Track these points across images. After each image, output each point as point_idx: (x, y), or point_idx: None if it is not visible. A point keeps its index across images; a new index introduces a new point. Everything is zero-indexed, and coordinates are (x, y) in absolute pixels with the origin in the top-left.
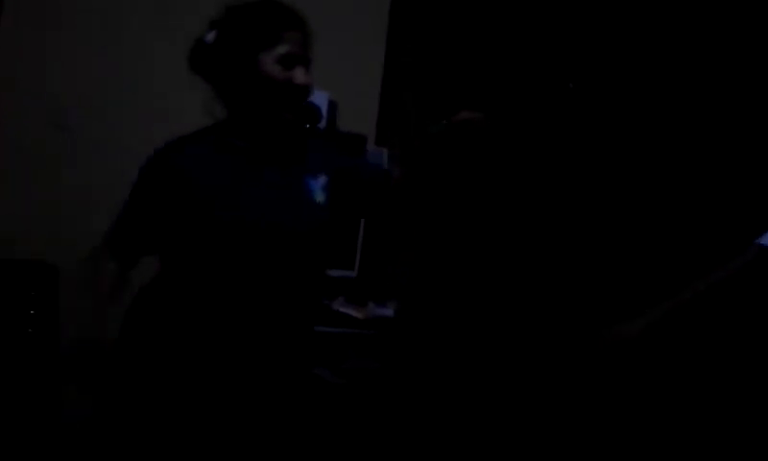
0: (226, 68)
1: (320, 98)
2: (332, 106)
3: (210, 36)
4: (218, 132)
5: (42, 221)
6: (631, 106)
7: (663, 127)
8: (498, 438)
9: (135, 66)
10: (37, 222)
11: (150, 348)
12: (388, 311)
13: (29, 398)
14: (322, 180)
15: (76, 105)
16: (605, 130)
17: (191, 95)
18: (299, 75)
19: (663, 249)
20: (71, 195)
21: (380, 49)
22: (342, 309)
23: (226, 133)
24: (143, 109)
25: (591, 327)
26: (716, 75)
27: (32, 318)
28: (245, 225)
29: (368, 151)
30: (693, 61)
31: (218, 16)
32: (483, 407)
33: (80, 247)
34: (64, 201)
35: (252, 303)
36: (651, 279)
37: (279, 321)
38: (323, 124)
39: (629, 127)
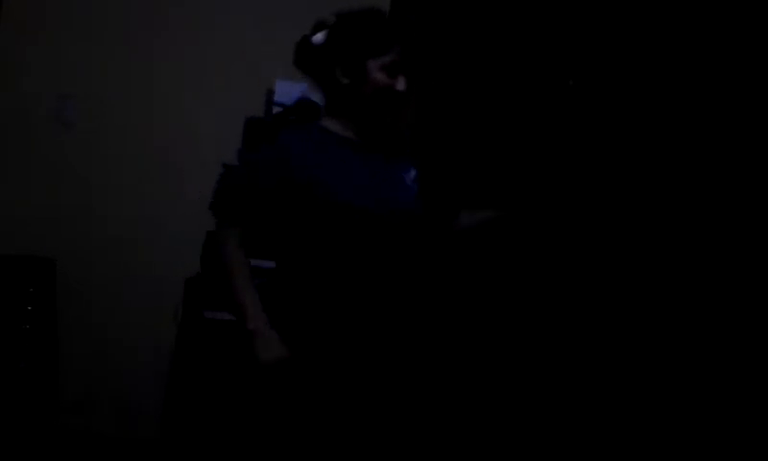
0: (333, 69)
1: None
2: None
3: (319, 38)
4: (321, 124)
5: (38, 216)
6: (630, 103)
7: (662, 124)
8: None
9: (135, 65)
10: (33, 217)
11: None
12: None
13: (27, 393)
14: (413, 172)
15: (75, 100)
16: (605, 127)
17: (190, 95)
18: (400, 83)
19: (662, 247)
20: (67, 190)
21: None
22: None
23: (329, 125)
24: (141, 107)
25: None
26: (716, 71)
27: (29, 313)
28: (355, 207)
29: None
30: (692, 59)
31: (327, 20)
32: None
33: (76, 241)
34: (60, 195)
35: (366, 284)
36: (649, 278)
37: (392, 298)
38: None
39: (628, 124)
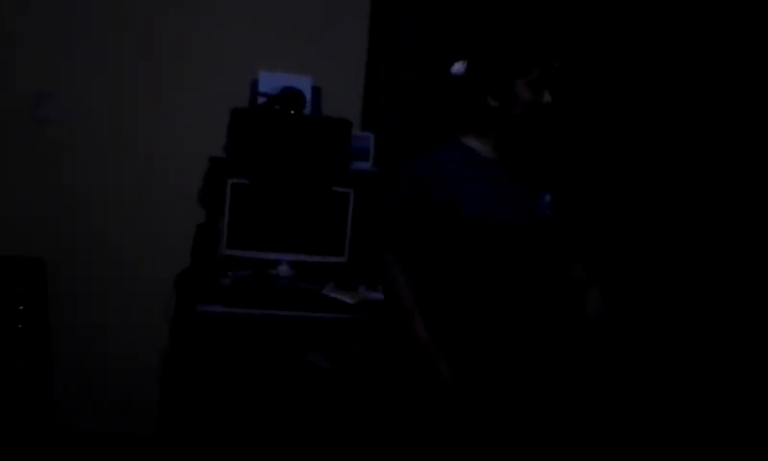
0: (481, 94)
1: (303, 83)
2: (316, 91)
3: (459, 68)
4: (464, 142)
5: (23, 216)
6: (617, 86)
7: (648, 108)
8: (490, 425)
9: (118, 60)
10: (18, 217)
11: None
12: (378, 295)
13: (21, 392)
14: (548, 197)
15: (54, 98)
16: (592, 111)
17: (175, 88)
18: (546, 97)
19: (659, 244)
20: (52, 189)
21: (363, 30)
22: (332, 295)
23: (473, 144)
24: (125, 101)
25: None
26: (705, 62)
27: (21, 313)
28: (492, 225)
29: (354, 136)
30: (676, 42)
31: (466, 49)
32: (474, 391)
33: (63, 240)
34: (45, 194)
35: (504, 298)
36: (648, 277)
37: (527, 313)
38: (307, 109)
39: (616, 107)
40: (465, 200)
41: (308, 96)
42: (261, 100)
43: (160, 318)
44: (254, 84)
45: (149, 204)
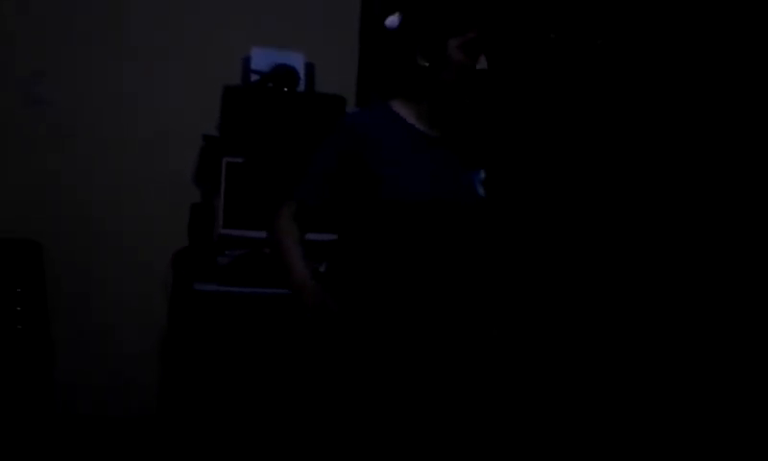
0: (411, 52)
1: (295, 59)
2: (309, 67)
3: (393, 21)
4: (391, 106)
5: (19, 199)
6: (611, 58)
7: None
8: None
9: (111, 38)
10: (14, 200)
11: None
12: None
13: (20, 375)
14: (482, 174)
15: (48, 77)
16: (587, 85)
17: (168, 66)
18: (481, 62)
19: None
20: (47, 172)
21: (356, 4)
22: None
23: (400, 110)
24: (118, 81)
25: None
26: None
27: (19, 295)
28: (413, 198)
29: (347, 113)
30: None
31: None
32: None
33: (60, 222)
34: (41, 177)
35: (425, 275)
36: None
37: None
38: (301, 86)
39: (610, 82)
40: (386, 173)
41: (301, 73)
42: (254, 77)
43: (158, 298)
44: (247, 61)
45: (145, 184)
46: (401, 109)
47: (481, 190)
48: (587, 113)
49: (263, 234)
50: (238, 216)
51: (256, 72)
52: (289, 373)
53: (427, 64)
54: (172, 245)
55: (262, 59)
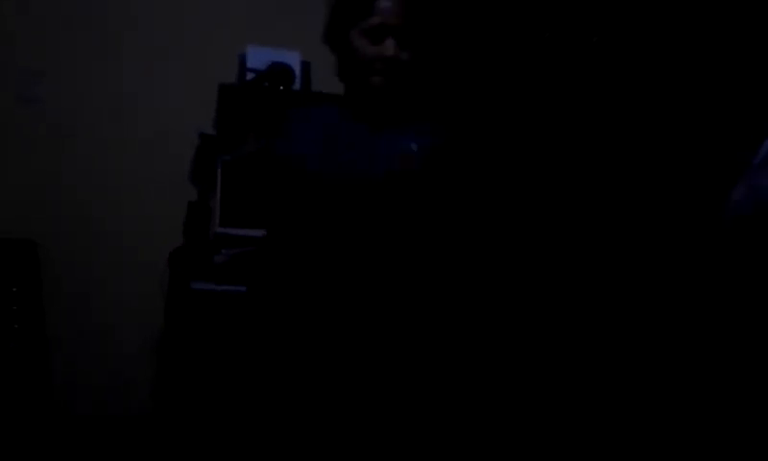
0: (329, 44)
1: (291, 58)
2: (305, 66)
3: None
4: (335, 105)
5: (14, 198)
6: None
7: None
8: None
9: (105, 36)
10: (9, 200)
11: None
12: None
13: (17, 375)
14: (413, 146)
15: (42, 76)
16: (584, 83)
17: (163, 65)
18: (388, 47)
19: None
20: (42, 171)
21: None
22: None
23: (341, 105)
24: (114, 79)
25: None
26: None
27: (15, 295)
28: (332, 180)
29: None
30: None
31: None
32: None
33: (55, 222)
34: (36, 177)
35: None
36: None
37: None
38: (296, 85)
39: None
40: (310, 154)
41: (297, 71)
42: (250, 76)
43: (155, 297)
44: (243, 59)
45: (144, 183)
46: (344, 103)
47: (417, 162)
48: (582, 111)
49: (260, 233)
50: (234, 215)
51: (252, 70)
52: (283, 369)
53: (337, 54)
54: (171, 244)
55: (258, 57)
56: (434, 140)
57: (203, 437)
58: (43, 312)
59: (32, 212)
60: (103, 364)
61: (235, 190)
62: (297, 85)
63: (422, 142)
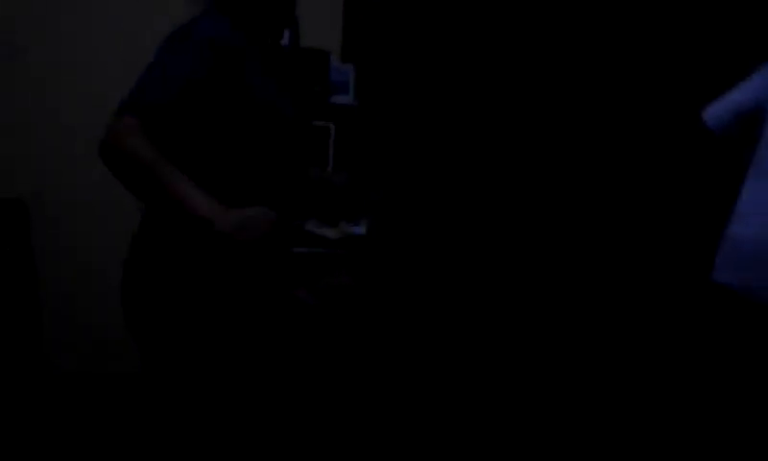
0: None
1: None
2: (294, 20)
3: None
4: (232, 26)
5: (4, 156)
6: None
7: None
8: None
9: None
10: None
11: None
12: (360, 230)
13: (9, 334)
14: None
15: (31, 34)
16: (581, 82)
17: (150, 37)
18: None
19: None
20: (27, 130)
21: None
22: (315, 230)
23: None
24: (103, 47)
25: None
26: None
27: (6, 254)
28: (277, 112)
29: (333, 68)
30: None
31: None
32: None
33: (44, 180)
34: (21, 135)
35: (272, 185)
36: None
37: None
38: (284, 40)
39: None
40: (256, 83)
41: None
42: None
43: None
44: None
45: None
46: (237, 27)
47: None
48: (579, 109)
49: None
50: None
51: None
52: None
53: None
54: None
55: None
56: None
57: (191, 394)
58: (36, 274)
59: (20, 172)
60: (94, 321)
61: None
62: (285, 41)
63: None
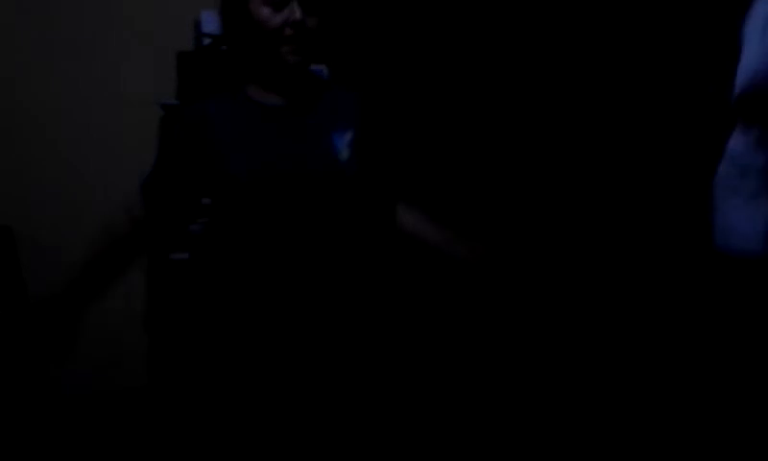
0: (224, 20)
1: None
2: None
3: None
4: (245, 91)
5: None
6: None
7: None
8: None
9: (68, 22)
10: None
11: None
12: None
13: (5, 364)
14: (348, 135)
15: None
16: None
17: (120, 36)
18: (294, 11)
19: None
20: (21, 158)
21: None
22: None
23: (251, 92)
24: (88, 73)
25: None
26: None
27: None
28: (258, 176)
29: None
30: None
31: None
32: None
33: (33, 208)
34: (15, 164)
35: (279, 258)
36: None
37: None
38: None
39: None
40: (234, 153)
41: None
42: (206, 41)
43: (138, 270)
44: (197, 25)
45: (106, 155)
46: (252, 90)
47: (346, 153)
48: (577, 108)
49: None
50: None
51: (207, 35)
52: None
53: (236, 29)
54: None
55: (212, 21)
56: (356, 130)
57: (193, 405)
58: (26, 298)
59: (7, 198)
60: (91, 339)
61: None
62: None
63: (344, 133)
